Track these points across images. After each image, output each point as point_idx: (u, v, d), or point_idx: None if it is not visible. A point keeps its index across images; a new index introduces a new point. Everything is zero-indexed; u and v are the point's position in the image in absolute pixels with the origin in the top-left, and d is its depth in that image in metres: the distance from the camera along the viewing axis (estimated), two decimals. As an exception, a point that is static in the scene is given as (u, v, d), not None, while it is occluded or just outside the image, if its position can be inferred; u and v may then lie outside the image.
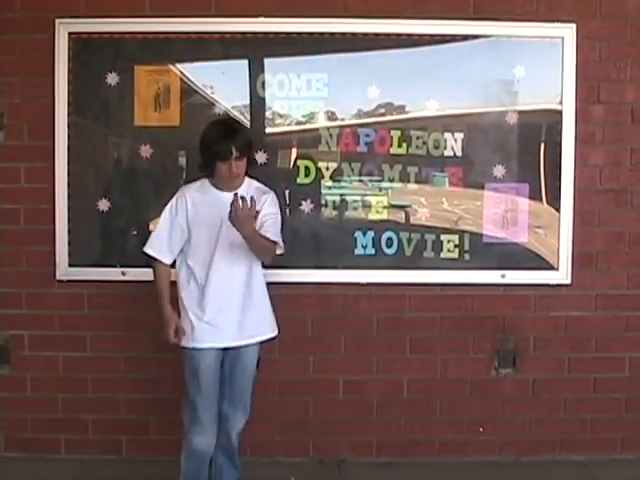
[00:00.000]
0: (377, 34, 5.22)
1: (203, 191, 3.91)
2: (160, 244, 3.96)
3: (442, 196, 5.32)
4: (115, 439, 5.33)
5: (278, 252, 3.97)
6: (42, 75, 5.17)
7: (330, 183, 5.24)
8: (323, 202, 5.25)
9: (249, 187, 3.98)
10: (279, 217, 4.07)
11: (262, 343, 4.08)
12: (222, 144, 3.78)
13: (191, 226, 3.87)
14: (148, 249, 3.98)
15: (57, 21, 5.17)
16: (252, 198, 3.57)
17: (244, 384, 3.98)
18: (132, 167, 5.27)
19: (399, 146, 5.25)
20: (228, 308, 3.87)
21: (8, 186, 5.22)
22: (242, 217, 3.57)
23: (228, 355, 3.95)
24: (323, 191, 5.26)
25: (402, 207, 5.27)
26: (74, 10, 5.18)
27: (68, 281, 5.20)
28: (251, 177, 4.15)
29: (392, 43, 5.24)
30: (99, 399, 5.33)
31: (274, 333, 4.12)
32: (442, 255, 5.28)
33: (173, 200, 3.98)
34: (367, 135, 5.26)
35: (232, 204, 3.54)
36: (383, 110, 5.29)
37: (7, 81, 5.20)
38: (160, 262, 3.98)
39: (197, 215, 3.86)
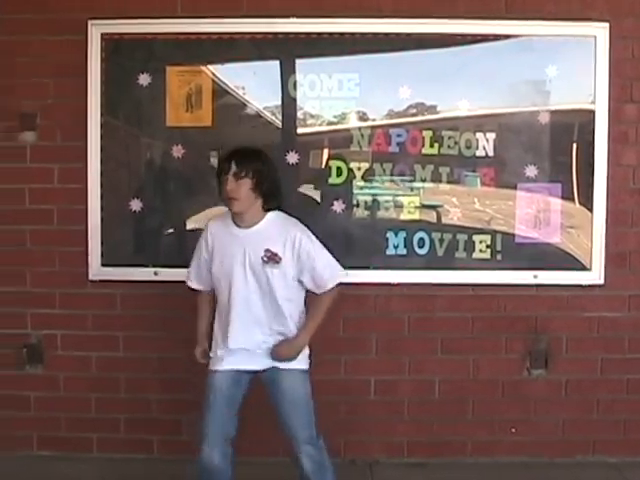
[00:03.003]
0: (409, 34, 5.20)
1: (224, 222, 3.86)
2: (190, 272, 4.05)
3: (474, 196, 5.30)
4: (147, 439, 5.35)
5: (339, 279, 3.95)
6: (75, 76, 5.19)
7: (362, 183, 5.24)
8: (355, 202, 5.25)
9: (270, 224, 3.80)
10: (321, 249, 3.91)
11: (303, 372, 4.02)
12: (221, 161, 3.78)
13: (211, 257, 3.87)
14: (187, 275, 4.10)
15: (90, 22, 5.20)
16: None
17: (291, 413, 3.91)
18: (164, 167, 5.28)
19: (431, 146, 5.24)
20: (251, 336, 3.85)
21: (41, 186, 5.25)
22: (286, 355, 3.79)
23: (263, 380, 3.96)
24: (355, 191, 5.25)
25: (434, 207, 5.25)
26: (107, 11, 5.20)
27: (101, 281, 5.22)
28: (285, 213, 3.96)
29: (423, 43, 5.22)
30: (131, 399, 5.35)
31: (301, 366, 3.96)
32: (474, 255, 5.26)
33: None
34: (399, 135, 5.25)
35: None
36: (415, 110, 5.28)
37: (40, 82, 5.23)
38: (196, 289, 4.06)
39: (216, 246, 3.84)
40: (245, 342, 3.84)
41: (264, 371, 3.92)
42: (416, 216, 5.26)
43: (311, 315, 3.84)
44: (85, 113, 5.18)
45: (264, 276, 3.72)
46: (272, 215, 3.81)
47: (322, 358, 4.99)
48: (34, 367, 5.33)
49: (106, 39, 5.21)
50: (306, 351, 4.00)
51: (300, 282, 3.86)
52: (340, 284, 3.96)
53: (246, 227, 3.72)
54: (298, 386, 3.96)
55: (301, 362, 3.91)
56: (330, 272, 3.84)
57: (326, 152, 5.26)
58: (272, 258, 3.69)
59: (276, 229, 3.76)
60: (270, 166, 3.83)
